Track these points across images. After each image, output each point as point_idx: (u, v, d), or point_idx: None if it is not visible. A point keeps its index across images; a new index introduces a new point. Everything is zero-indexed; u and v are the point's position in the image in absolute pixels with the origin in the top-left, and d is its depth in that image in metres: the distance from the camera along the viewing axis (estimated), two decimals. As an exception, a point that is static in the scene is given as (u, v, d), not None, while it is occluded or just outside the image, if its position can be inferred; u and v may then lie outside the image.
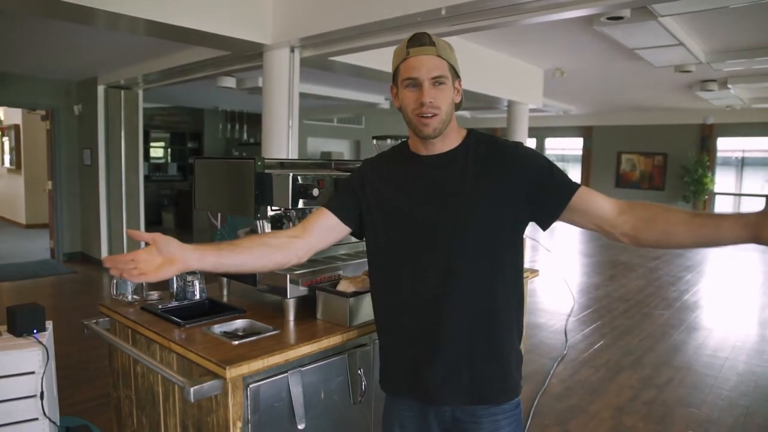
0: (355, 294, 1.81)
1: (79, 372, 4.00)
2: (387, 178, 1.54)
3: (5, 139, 12.78)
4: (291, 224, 1.97)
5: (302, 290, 1.88)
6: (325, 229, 1.56)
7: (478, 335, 1.43)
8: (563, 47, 6.38)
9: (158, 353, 1.76)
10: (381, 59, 5.69)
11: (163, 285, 2.18)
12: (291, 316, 1.88)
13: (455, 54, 1.48)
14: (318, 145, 13.66)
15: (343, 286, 1.84)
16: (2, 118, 13.02)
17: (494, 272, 1.44)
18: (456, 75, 1.47)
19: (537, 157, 1.48)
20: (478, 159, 1.45)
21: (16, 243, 10.11)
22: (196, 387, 1.44)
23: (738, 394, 3.88)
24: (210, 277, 2.24)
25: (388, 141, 2.60)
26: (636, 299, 6.54)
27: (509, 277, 1.47)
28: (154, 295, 2.12)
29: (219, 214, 2.20)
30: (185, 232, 11.67)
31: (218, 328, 1.79)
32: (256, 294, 2.15)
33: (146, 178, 12.34)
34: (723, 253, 10.41)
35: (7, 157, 12.70)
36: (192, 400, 1.43)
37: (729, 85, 8.26)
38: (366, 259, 2.15)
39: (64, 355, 4.19)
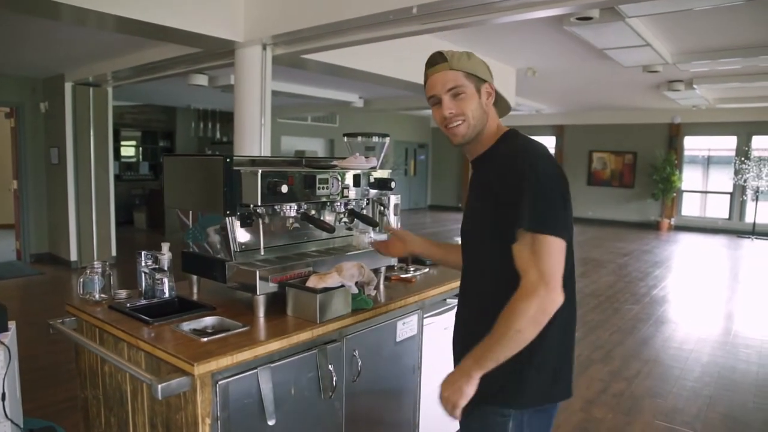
0: (325, 290, 1.82)
1: (47, 374, 3.93)
2: None
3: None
4: (261, 221, 1.96)
5: (272, 287, 1.88)
6: None
7: (471, 332, 1.46)
8: (535, 47, 6.47)
9: (126, 352, 1.74)
10: (354, 57, 5.70)
11: (132, 283, 2.17)
12: (261, 313, 1.88)
13: (476, 60, 1.53)
14: (292, 144, 13.60)
15: (313, 282, 1.85)
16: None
17: (484, 274, 1.50)
18: (480, 80, 1.51)
19: (519, 183, 1.36)
20: (493, 163, 1.50)
21: (-20, 244, 9.83)
22: (163, 384, 1.43)
23: (702, 384, 3.99)
24: (180, 275, 2.23)
25: (359, 139, 2.61)
26: (606, 294, 6.67)
27: (499, 278, 1.43)
28: (123, 293, 2.10)
29: (190, 213, 2.18)
30: (157, 232, 11.48)
31: (187, 326, 1.78)
32: (227, 291, 2.14)
33: (117, 177, 12.13)
34: (689, 250, 10.68)
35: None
36: (160, 398, 1.43)
37: (695, 86, 8.48)
38: (336, 256, 2.18)
39: (31, 358, 4.11)
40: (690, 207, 13.57)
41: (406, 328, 2.25)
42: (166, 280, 2.04)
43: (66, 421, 3.10)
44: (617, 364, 4.39)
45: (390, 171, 2.45)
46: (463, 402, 1.37)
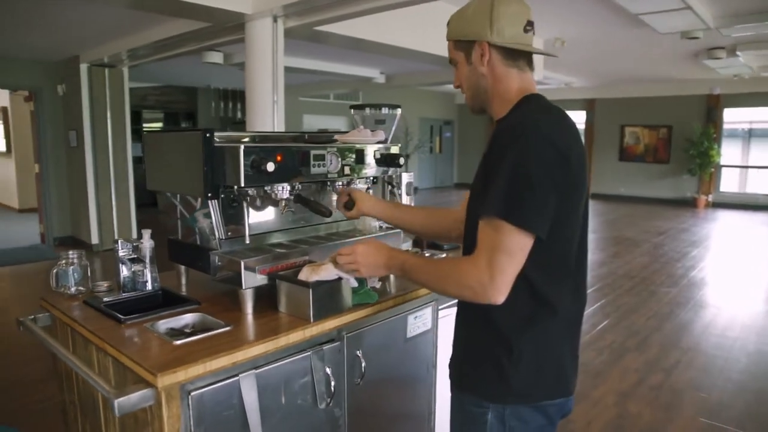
0: (319, 284, 1.58)
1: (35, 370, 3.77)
2: None
3: (-1, 123, 12.47)
4: (246, 205, 1.73)
5: (260, 279, 1.65)
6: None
7: (460, 304, 1.44)
8: (563, 15, 6.06)
9: (95, 355, 1.54)
10: (374, 29, 5.39)
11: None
12: (248, 309, 1.65)
13: (465, 17, 1.35)
14: (314, 123, 13.35)
15: (305, 274, 1.61)
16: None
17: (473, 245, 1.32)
18: (469, 42, 1.34)
19: (500, 161, 1.22)
20: (496, 133, 1.32)
21: (7, 228, 9.92)
22: (122, 398, 1.22)
23: (749, 376, 3.66)
24: (168, 265, 2.02)
25: (367, 111, 2.36)
26: (641, 276, 6.32)
27: None
28: (103, 286, 1.90)
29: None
30: (180, 214, 11.39)
31: (164, 325, 1.57)
32: (216, 283, 1.92)
33: (141, 159, 12.08)
34: (729, 229, 10.18)
35: (2, 141, 12.37)
36: (117, 414, 1.21)
37: (738, 53, 7.92)
38: (338, 242, 1.94)
39: (37, 346, 3.98)
40: (729, 183, 12.93)
41: (418, 322, 2.01)
42: (147, 272, 1.82)
43: (57, 418, 2.93)
44: (654, 352, 4.08)
45: (399, 146, 2.18)
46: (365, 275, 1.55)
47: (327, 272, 1.57)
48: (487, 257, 1.21)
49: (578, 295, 1.36)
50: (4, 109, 11.74)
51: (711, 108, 12.62)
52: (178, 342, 1.42)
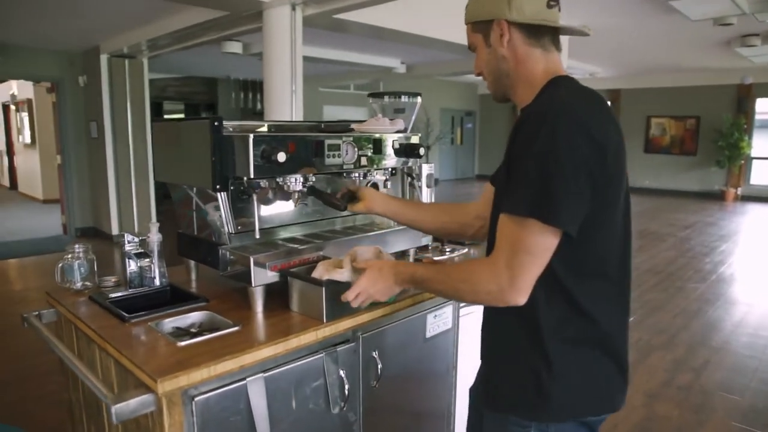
0: (333, 282, 1.48)
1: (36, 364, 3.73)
2: None
3: (23, 115, 12.61)
4: (255, 197, 1.64)
5: (271, 276, 1.56)
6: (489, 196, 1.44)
7: (487, 314, 1.33)
8: (590, 1, 5.86)
9: (98, 355, 1.47)
10: (397, 17, 5.26)
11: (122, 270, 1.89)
12: (258, 308, 1.56)
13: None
14: (334, 114, 13.26)
15: (319, 272, 1.51)
16: (16, 93, 12.87)
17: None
18: (487, 23, 1.23)
19: (532, 146, 1.09)
20: (521, 120, 1.18)
21: (31, 218, 10.05)
22: (120, 405, 1.14)
23: (785, 379, 3.51)
24: (177, 260, 1.95)
25: (386, 99, 2.25)
26: (667, 271, 6.12)
27: None
28: (110, 280, 1.83)
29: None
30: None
31: (170, 323, 1.49)
32: (226, 280, 1.84)
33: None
34: (760, 223, 9.87)
35: (27, 133, 12.52)
36: (115, 421, 1.14)
37: (773, 40, 7.62)
38: (354, 237, 1.85)
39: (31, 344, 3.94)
40: (760, 175, 12.54)
41: (438, 321, 1.91)
42: (155, 267, 1.75)
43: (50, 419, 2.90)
44: (682, 351, 3.93)
45: (419, 135, 2.07)
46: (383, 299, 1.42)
47: (341, 276, 1.47)
48: (506, 257, 1.11)
49: (621, 301, 1.23)
50: (29, 101, 11.87)
51: (742, 98, 12.23)
52: (182, 343, 1.33)
